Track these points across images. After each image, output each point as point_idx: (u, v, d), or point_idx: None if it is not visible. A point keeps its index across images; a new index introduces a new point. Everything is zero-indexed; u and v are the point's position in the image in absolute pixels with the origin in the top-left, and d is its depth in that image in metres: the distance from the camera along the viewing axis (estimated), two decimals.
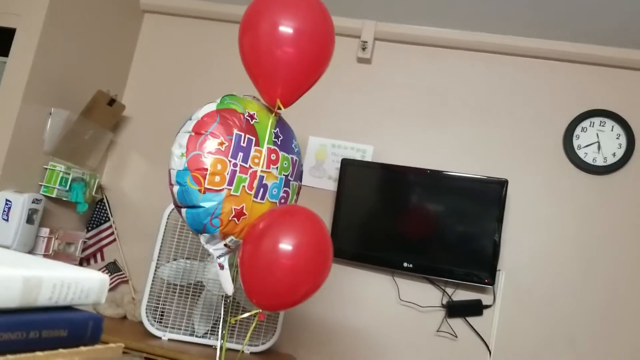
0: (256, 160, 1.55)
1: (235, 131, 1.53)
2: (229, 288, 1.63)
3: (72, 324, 0.63)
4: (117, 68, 2.95)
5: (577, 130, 2.60)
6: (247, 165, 1.54)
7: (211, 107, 1.57)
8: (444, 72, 2.79)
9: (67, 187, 2.52)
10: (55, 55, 2.43)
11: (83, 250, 2.78)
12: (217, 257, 1.59)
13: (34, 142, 2.39)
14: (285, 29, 1.51)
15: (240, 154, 1.53)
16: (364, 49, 2.80)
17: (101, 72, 2.79)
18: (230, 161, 1.50)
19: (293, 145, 1.73)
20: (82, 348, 0.63)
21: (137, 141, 2.98)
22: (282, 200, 1.66)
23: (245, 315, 1.56)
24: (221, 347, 1.65)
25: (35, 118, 2.37)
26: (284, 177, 1.65)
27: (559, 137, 2.63)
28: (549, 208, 2.57)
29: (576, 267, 2.50)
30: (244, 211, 1.53)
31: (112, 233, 2.85)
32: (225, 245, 1.57)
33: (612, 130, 2.58)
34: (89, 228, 2.84)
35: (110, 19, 2.79)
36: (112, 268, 2.79)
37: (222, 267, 1.61)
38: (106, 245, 2.85)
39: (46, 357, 0.58)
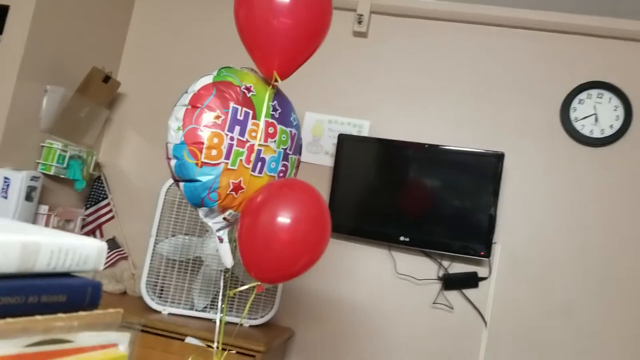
0: (253, 134, 1.55)
1: (232, 104, 1.52)
2: (228, 261, 1.64)
3: (71, 290, 0.64)
4: (111, 44, 2.93)
5: (574, 103, 2.60)
6: (244, 139, 1.54)
7: (207, 79, 1.56)
8: (440, 46, 2.77)
9: (65, 165, 2.52)
10: (50, 32, 2.41)
11: (82, 227, 2.79)
12: (217, 230, 1.60)
13: (30, 119, 2.38)
14: None
15: (237, 128, 1.52)
16: (360, 22, 2.78)
17: (95, 48, 2.77)
18: (227, 135, 1.50)
19: (292, 119, 1.72)
20: (82, 313, 0.64)
21: (133, 118, 2.97)
22: (281, 174, 1.66)
23: (244, 287, 1.57)
24: (221, 321, 1.67)
25: (31, 96, 2.36)
26: (282, 150, 1.65)
27: (556, 109, 2.63)
28: (545, 180, 2.58)
29: (572, 239, 2.52)
30: (242, 185, 1.53)
31: (111, 210, 2.86)
32: (224, 218, 1.58)
33: (609, 102, 2.58)
34: (88, 205, 2.85)
35: None
36: (112, 244, 2.81)
37: (221, 240, 1.62)
38: (105, 222, 2.86)
39: (45, 320, 0.59)
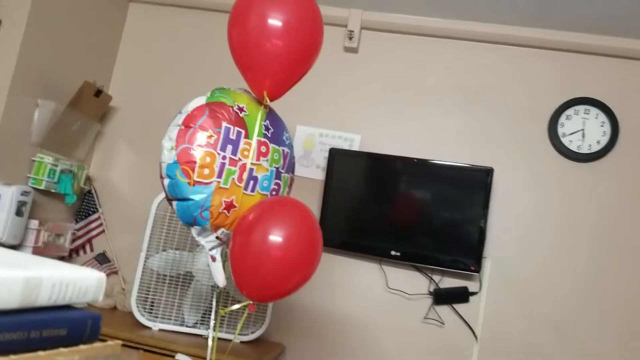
0: (246, 153, 1.57)
1: (224, 124, 1.54)
2: (221, 280, 1.64)
3: (72, 323, 0.65)
4: (103, 59, 2.93)
5: (562, 118, 2.64)
6: (237, 158, 1.55)
7: (201, 100, 1.58)
8: (430, 61, 2.80)
9: (56, 179, 2.51)
10: (41, 46, 2.41)
11: (72, 241, 2.77)
12: (209, 249, 1.61)
13: (22, 133, 2.38)
14: (274, 21, 1.51)
15: (230, 147, 1.54)
16: (350, 38, 2.81)
17: (87, 63, 2.77)
18: (219, 154, 1.51)
19: (284, 138, 1.74)
20: (82, 346, 0.64)
21: (125, 132, 2.97)
22: (274, 193, 1.67)
23: (236, 307, 1.58)
24: (213, 339, 1.67)
25: (22, 110, 2.36)
26: (274, 169, 1.66)
27: (544, 125, 2.66)
28: (534, 195, 2.61)
29: (561, 254, 2.55)
30: (234, 203, 1.54)
31: (101, 224, 2.85)
32: (217, 237, 1.59)
33: (596, 118, 2.62)
34: (78, 219, 2.83)
35: (95, 9, 2.77)
36: (102, 259, 2.79)
37: (214, 259, 1.63)
38: (95, 236, 2.85)
39: (47, 356, 0.59)
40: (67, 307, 0.67)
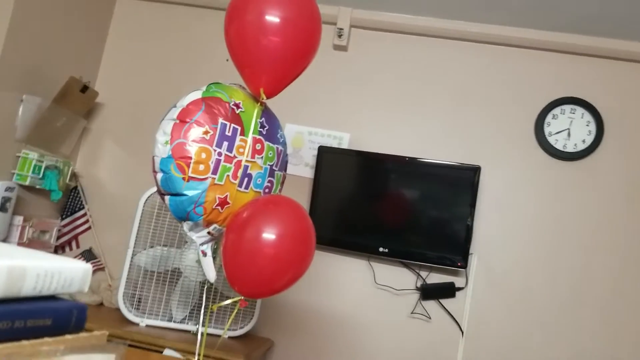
0: (241, 150, 1.56)
1: (221, 120, 1.53)
2: (211, 275, 1.64)
3: (57, 313, 0.65)
4: (89, 54, 2.91)
5: (548, 118, 2.66)
6: (232, 155, 1.54)
7: (197, 94, 1.56)
8: (419, 60, 2.81)
9: (41, 175, 2.49)
10: (26, 40, 2.39)
11: (58, 237, 2.75)
12: (200, 244, 1.60)
13: (6, 129, 2.35)
14: (272, 17, 1.51)
15: (225, 143, 1.53)
16: (340, 36, 2.81)
17: (73, 58, 2.75)
18: (214, 150, 1.51)
19: (278, 136, 1.74)
20: (67, 336, 0.64)
21: (111, 128, 2.95)
22: (267, 190, 1.67)
23: (227, 302, 1.58)
24: (202, 334, 1.67)
25: (7, 105, 2.33)
26: (268, 167, 1.66)
27: (530, 124, 2.68)
28: (520, 193, 2.63)
29: (546, 251, 2.57)
30: (228, 200, 1.54)
31: (87, 221, 2.83)
32: (209, 233, 1.58)
33: (582, 118, 2.64)
34: (64, 216, 2.81)
35: (82, 3, 2.75)
36: (88, 255, 2.77)
37: (205, 254, 1.62)
38: (81, 232, 2.83)
39: (32, 345, 0.59)
40: (52, 298, 0.67)
